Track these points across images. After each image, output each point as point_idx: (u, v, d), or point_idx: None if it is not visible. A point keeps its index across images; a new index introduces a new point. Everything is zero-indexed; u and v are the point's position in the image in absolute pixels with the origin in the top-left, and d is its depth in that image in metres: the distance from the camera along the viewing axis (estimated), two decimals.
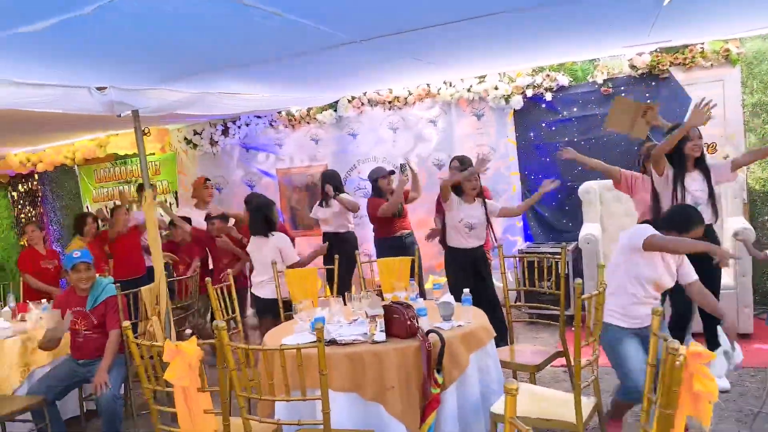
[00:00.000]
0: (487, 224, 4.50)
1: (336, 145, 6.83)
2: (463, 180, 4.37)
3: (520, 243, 6.05)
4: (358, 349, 2.83)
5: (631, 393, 2.94)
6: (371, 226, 5.65)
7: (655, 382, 2.03)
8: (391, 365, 2.76)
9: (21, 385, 4.00)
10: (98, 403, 3.62)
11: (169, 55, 3.32)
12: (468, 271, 4.49)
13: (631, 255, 3.07)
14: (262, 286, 4.45)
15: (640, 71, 5.49)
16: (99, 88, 3.69)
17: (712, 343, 3.52)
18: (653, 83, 5.49)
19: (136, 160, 7.88)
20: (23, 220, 8.89)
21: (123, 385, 3.88)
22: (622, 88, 5.60)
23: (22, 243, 8.85)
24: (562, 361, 3.72)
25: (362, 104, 6.58)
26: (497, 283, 4.57)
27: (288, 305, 4.23)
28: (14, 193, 9.01)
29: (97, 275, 3.98)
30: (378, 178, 5.37)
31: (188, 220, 5.67)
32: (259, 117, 7.06)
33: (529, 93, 5.87)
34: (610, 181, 5.50)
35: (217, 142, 7.30)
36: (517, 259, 4.32)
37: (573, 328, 2.78)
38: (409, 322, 2.88)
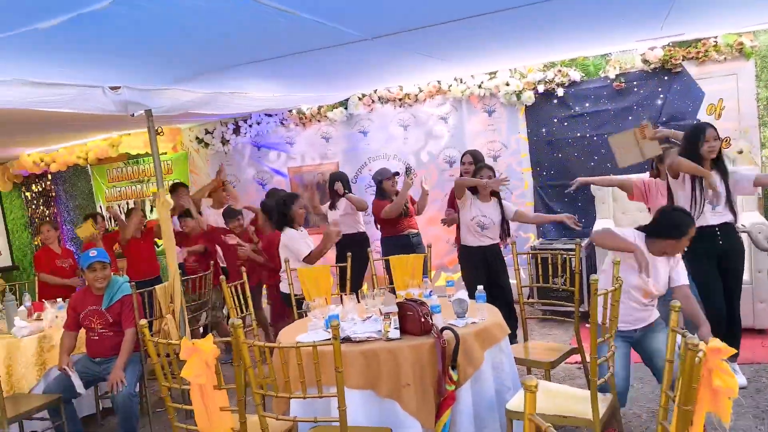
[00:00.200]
0: (502, 224, 4.50)
1: (347, 143, 6.84)
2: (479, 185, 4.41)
3: (533, 240, 6.03)
4: (373, 346, 2.83)
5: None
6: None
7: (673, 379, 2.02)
8: (406, 362, 2.76)
9: (37, 384, 4.03)
10: (114, 401, 3.65)
11: (182, 54, 3.34)
12: (481, 268, 4.49)
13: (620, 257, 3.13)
14: (282, 280, 4.54)
15: (652, 66, 5.45)
16: (112, 88, 3.72)
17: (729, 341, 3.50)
18: (666, 77, 5.45)
19: (148, 160, 7.93)
20: (37, 220, 8.97)
21: (138, 383, 3.91)
22: (635, 82, 5.56)
23: (35, 243, 8.94)
24: (576, 357, 3.71)
25: (373, 102, 6.58)
26: (511, 280, 4.56)
27: (299, 303, 4.26)
28: (28, 194, 9.09)
29: (113, 274, 4.01)
30: (383, 179, 5.37)
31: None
32: (269, 115, 7.08)
33: (541, 88, 5.84)
34: (621, 177, 5.50)
35: (228, 140, 7.33)
36: (531, 255, 4.31)
37: (587, 325, 2.77)
38: (423, 319, 2.88)
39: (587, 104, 5.77)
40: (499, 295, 4.32)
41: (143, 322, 2.77)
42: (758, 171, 5.14)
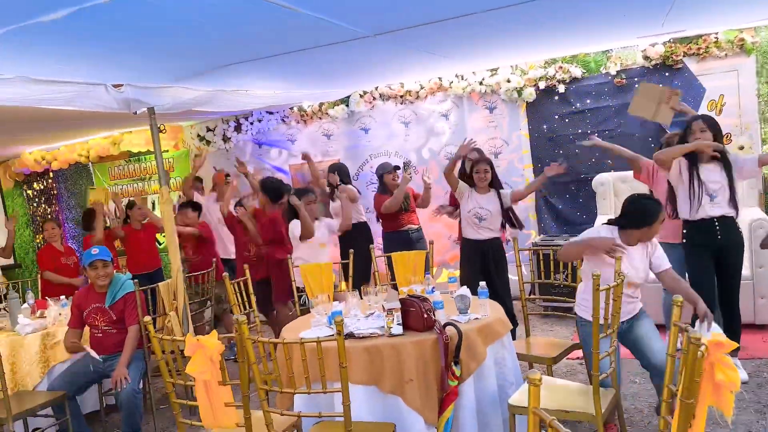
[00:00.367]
0: (504, 215, 4.49)
1: (348, 140, 6.85)
2: (470, 170, 4.44)
3: (535, 236, 6.04)
4: (376, 342, 2.85)
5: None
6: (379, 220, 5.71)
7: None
8: (409, 358, 2.78)
9: (41, 381, 4.05)
10: (118, 397, 3.66)
11: (184, 51, 3.35)
12: (477, 263, 4.50)
13: (593, 259, 3.17)
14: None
15: (653, 62, 5.46)
16: (115, 86, 3.73)
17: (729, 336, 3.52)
18: (667, 74, 5.45)
19: (150, 157, 7.94)
20: (38, 218, 8.99)
21: (142, 379, 3.93)
22: (636, 79, 5.56)
23: (37, 240, 8.95)
24: (578, 353, 3.73)
25: (374, 99, 6.59)
26: (512, 276, 4.57)
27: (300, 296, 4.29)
28: (29, 192, 9.11)
29: (115, 272, 4.03)
30: (384, 173, 5.40)
31: (198, 206, 5.73)
32: (271, 113, 7.08)
33: (542, 85, 5.85)
34: (624, 173, 5.52)
35: (230, 138, 7.34)
36: (532, 252, 4.33)
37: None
38: (425, 315, 2.90)
39: (588, 101, 5.78)
40: (493, 293, 4.32)
41: (148, 318, 2.78)
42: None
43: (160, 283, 4.16)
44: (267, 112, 7.06)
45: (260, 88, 5.00)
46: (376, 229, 6.15)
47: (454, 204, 4.80)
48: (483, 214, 4.44)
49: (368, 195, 6.37)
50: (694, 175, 3.70)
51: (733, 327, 3.75)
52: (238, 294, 3.90)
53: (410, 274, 4.11)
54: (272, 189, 5.01)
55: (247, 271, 4.10)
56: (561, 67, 5.75)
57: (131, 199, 6.44)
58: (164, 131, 7.35)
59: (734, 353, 3.59)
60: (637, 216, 3.09)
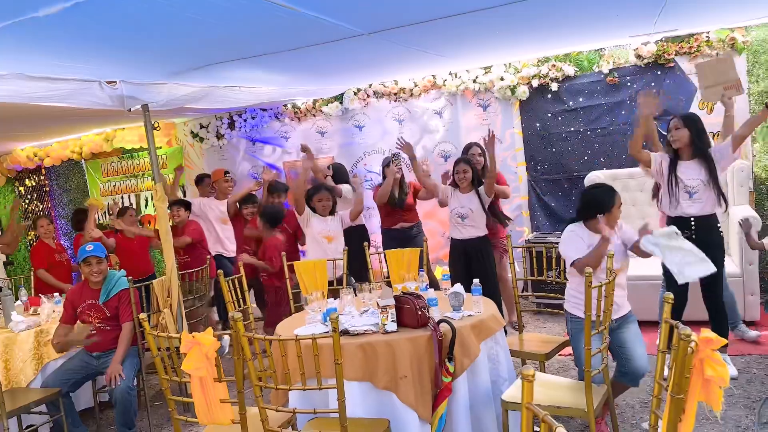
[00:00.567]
0: (489, 211, 4.55)
1: (342, 138, 6.86)
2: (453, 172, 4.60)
3: (527, 233, 6.08)
4: (371, 339, 2.87)
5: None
6: (377, 218, 5.75)
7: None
8: (403, 354, 2.80)
9: (35, 378, 4.05)
10: (112, 394, 3.67)
11: (179, 48, 3.34)
12: (460, 262, 4.58)
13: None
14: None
15: (645, 61, 5.49)
16: (108, 83, 3.72)
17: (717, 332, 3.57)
18: (658, 72, 5.50)
19: (143, 154, 7.92)
20: (30, 215, 8.94)
21: (136, 376, 3.93)
22: (628, 77, 5.60)
23: (29, 238, 8.91)
24: (570, 349, 3.76)
25: (368, 96, 6.60)
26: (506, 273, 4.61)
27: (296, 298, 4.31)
28: (21, 188, 9.06)
29: (109, 269, 4.03)
30: (384, 165, 5.43)
31: (188, 204, 5.73)
32: (264, 110, 7.08)
33: (535, 83, 5.88)
34: (617, 171, 5.56)
35: (223, 135, 7.33)
36: (525, 249, 4.36)
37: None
38: (420, 312, 2.92)
39: (581, 99, 5.81)
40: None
41: (143, 315, 2.79)
42: (748, 163, 5.20)
43: (154, 281, 4.16)
44: (260, 109, 7.05)
45: (254, 84, 5.00)
46: (370, 227, 6.19)
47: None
48: (464, 213, 4.52)
49: (365, 192, 6.39)
50: (673, 173, 3.75)
51: (719, 324, 3.80)
52: (233, 291, 3.91)
53: (404, 271, 4.13)
54: (270, 215, 4.96)
55: (242, 268, 4.12)
56: (554, 66, 5.78)
57: (122, 207, 6.43)
58: (158, 128, 7.34)
59: (723, 349, 3.67)
60: (594, 205, 3.17)
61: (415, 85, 6.35)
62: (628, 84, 5.61)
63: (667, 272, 3.87)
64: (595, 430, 2.72)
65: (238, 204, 5.93)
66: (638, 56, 5.49)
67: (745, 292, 4.58)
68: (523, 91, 5.92)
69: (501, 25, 3.88)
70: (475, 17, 3.41)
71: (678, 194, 3.74)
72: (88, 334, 3.81)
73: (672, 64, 5.43)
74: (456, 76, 6.15)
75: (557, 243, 3.83)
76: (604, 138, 5.76)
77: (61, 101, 3.62)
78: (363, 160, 6.75)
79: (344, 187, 5.49)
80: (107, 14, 2.51)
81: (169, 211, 5.44)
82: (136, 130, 7.11)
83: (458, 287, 3.26)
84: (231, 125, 7.27)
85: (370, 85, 6.53)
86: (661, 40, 5.38)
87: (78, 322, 3.90)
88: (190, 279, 4.80)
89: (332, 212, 4.78)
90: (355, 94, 6.60)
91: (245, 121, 7.16)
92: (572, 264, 3.19)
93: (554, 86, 5.83)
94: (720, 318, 3.80)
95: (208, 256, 5.57)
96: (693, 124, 3.71)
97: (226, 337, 3.90)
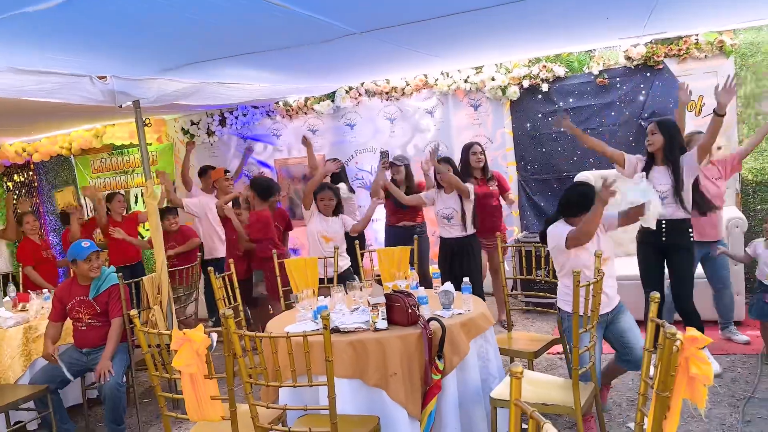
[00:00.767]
0: (464, 213, 4.63)
1: (333, 136, 6.86)
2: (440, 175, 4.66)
3: (517, 233, 6.11)
4: (361, 336, 2.89)
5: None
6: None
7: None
8: (394, 352, 2.82)
9: (23, 374, 4.03)
10: (101, 390, 3.66)
11: (170, 44, 3.33)
12: (445, 260, 4.66)
13: (566, 254, 3.22)
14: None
15: (635, 62, 5.54)
16: (99, 78, 3.70)
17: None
18: (648, 74, 5.55)
19: (133, 150, 7.87)
20: (18, 211, 8.86)
21: (125, 373, 3.93)
22: (618, 78, 5.65)
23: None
24: (558, 348, 3.80)
25: (360, 95, 6.60)
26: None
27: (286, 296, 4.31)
28: (10, 184, 8.97)
29: None
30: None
31: (176, 210, 5.73)
32: (256, 107, 7.07)
33: (526, 84, 5.91)
34: (606, 171, 5.58)
35: (214, 132, 7.31)
36: (514, 248, 4.40)
37: None
38: (410, 310, 2.94)
39: (571, 99, 5.85)
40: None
41: (134, 312, 2.79)
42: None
43: (144, 277, 4.15)
44: (252, 106, 7.04)
45: (246, 81, 4.99)
46: (378, 226, 6.23)
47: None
48: (449, 214, 4.63)
49: (358, 191, 6.42)
50: (647, 176, 3.81)
51: (693, 325, 3.84)
52: (224, 288, 3.91)
53: (395, 269, 4.14)
54: (262, 186, 5.02)
55: (232, 266, 4.12)
56: (545, 66, 5.82)
57: (110, 192, 6.39)
58: (150, 125, 7.30)
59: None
60: (576, 203, 3.23)
61: (407, 84, 6.36)
62: (618, 85, 5.66)
63: (643, 272, 3.97)
64: (582, 428, 2.75)
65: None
66: (628, 58, 5.54)
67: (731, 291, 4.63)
68: (513, 92, 5.96)
69: (492, 26, 3.90)
70: (467, 18, 3.43)
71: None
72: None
73: (661, 66, 5.48)
74: (447, 76, 6.18)
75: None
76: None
77: (51, 96, 3.59)
78: (354, 159, 6.76)
79: (340, 186, 5.50)
80: (99, 10, 2.51)
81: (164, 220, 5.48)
82: (126, 127, 7.07)
83: (448, 285, 3.28)
84: (222, 122, 7.25)
85: (362, 84, 6.54)
86: (651, 42, 5.44)
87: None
88: (180, 277, 4.81)
89: (336, 212, 4.79)
90: (347, 92, 6.61)
91: (236, 118, 7.15)
92: (568, 238, 3.14)
93: (545, 87, 5.86)
94: (692, 318, 3.82)
95: (199, 254, 5.56)
96: (667, 130, 3.77)
97: (214, 335, 3.91)
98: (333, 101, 6.68)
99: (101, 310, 3.88)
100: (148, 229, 6.45)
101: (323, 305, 3.23)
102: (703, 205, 4.06)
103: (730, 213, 4.77)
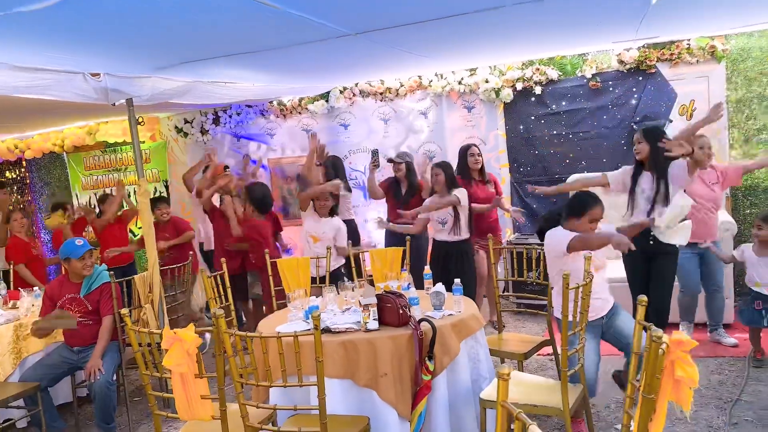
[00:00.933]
0: (457, 219, 4.64)
1: (327, 136, 6.85)
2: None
3: (509, 234, 6.14)
4: (352, 337, 2.90)
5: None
6: (365, 216, 5.89)
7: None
8: (384, 353, 2.83)
9: (13, 372, 4.01)
10: (91, 389, 3.66)
11: (164, 43, 3.33)
12: (439, 263, 4.66)
13: (564, 259, 3.23)
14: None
15: (627, 66, 5.58)
16: (92, 75, 3.69)
17: None
18: (640, 78, 5.58)
19: (126, 148, 7.86)
20: (10, 207, 8.82)
21: (116, 372, 3.92)
22: (610, 82, 5.69)
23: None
24: (548, 349, 3.82)
25: (354, 95, 6.61)
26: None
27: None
28: (2, 180, 8.93)
29: None
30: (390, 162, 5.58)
31: (167, 200, 5.73)
32: (250, 106, 7.06)
33: (519, 86, 5.94)
34: (597, 174, 5.62)
35: (207, 130, 7.30)
36: (507, 250, 4.42)
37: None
38: (401, 311, 2.95)
39: (564, 103, 5.88)
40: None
41: (124, 311, 2.79)
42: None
43: (135, 276, 4.15)
44: (246, 105, 7.04)
45: (240, 81, 4.99)
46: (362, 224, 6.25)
47: None
48: (443, 218, 4.66)
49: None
50: (636, 183, 3.86)
51: (660, 324, 3.85)
52: (215, 287, 3.91)
53: (387, 270, 4.16)
54: (257, 200, 5.01)
55: (224, 265, 4.12)
56: (538, 69, 5.85)
57: (101, 195, 6.39)
58: (143, 123, 7.29)
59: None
60: (577, 205, 3.29)
61: (401, 85, 6.38)
62: (611, 89, 5.70)
63: (630, 275, 4.02)
64: (571, 429, 2.77)
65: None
66: (621, 62, 5.58)
67: None
68: (507, 94, 5.98)
69: (486, 29, 3.92)
70: (461, 21, 3.44)
71: (639, 203, 3.83)
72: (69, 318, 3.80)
73: (653, 70, 5.52)
74: (441, 77, 6.20)
75: (538, 244, 3.90)
76: (586, 141, 5.84)
77: (44, 93, 3.59)
78: (348, 159, 6.76)
79: (336, 183, 5.49)
80: (93, 7, 2.51)
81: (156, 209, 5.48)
82: (119, 124, 7.06)
83: (440, 286, 3.30)
84: (216, 121, 7.25)
85: (357, 84, 6.55)
86: (643, 46, 5.47)
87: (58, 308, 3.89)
88: (172, 275, 4.80)
89: (332, 212, 4.81)
90: (341, 92, 6.62)
91: (230, 117, 7.14)
92: (570, 245, 3.15)
93: (538, 89, 5.89)
94: (659, 319, 3.80)
95: (191, 252, 5.56)
96: (653, 138, 3.80)
97: (207, 334, 3.91)
98: (327, 101, 6.69)
99: (93, 307, 3.87)
100: (140, 227, 6.45)
101: (315, 305, 3.24)
102: None
103: (721, 217, 4.81)
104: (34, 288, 4.75)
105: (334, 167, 5.66)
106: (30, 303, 4.39)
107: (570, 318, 2.81)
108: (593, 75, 5.72)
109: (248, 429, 2.59)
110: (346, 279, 3.91)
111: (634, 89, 5.61)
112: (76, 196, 8.26)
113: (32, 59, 3.30)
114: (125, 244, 5.91)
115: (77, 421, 4.18)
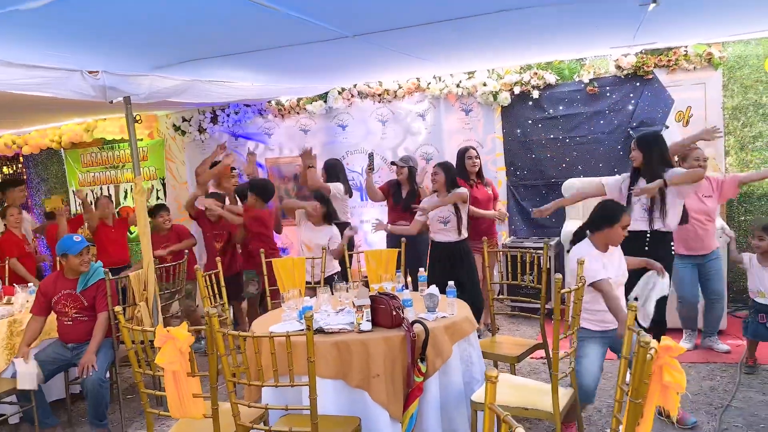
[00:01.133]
0: (459, 218, 4.65)
1: (325, 136, 6.87)
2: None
3: (505, 238, 6.15)
4: (345, 337, 2.91)
5: (581, 391, 3.07)
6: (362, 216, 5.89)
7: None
8: (377, 354, 2.85)
9: (7, 368, 4.01)
10: (84, 385, 3.66)
11: (162, 42, 3.34)
12: (439, 264, 4.67)
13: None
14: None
15: (625, 72, 5.60)
16: (90, 72, 3.70)
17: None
18: (637, 84, 5.60)
19: (123, 145, 7.85)
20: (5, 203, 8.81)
21: (109, 369, 3.92)
22: (608, 87, 5.71)
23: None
24: (541, 353, 3.83)
25: (352, 96, 6.62)
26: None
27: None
28: (19, 179, 8.92)
29: None
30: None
31: (167, 208, 5.73)
32: (248, 105, 7.07)
33: (517, 90, 5.95)
34: (593, 178, 5.64)
35: (205, 129, 7.30)
36: (502, 253, 4.43)
37: (552, 321, 2.88)
38: (394, 313, 2.96)
39: (561, 107, 5.90)
40: (462, 293, 4.41)
41: (118, 308, 2.80)
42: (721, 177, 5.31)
43: (130, 274, 4.15)
44: (244, 104, 7.04)
45: (238, 80, 5.00)
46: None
47: None
48: (446, 217, 4.64)
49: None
50: (632, 189, 3.88)
51: (658, 333, 3.87)
52: (209, 287, 3.91)
53: (382, 271, 4.17)
54: (262, 187, 5.12)
55: (219, 264, 4.13)
56: (536, 73, 5.86)
57: (96, 198, 6.41)
58: (140, 121, 7.29)
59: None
60: (607, 215, 3.24)
61: (399, 87, 6.39)
62: (608, 94, 5.72)
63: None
64: None
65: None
66: (618, 67, 5.59)
67: None
68: (505, 98, 6.00)
69: (485, 33, 3.93)
70: (459, 24, 3.45)
71: (635, 209, 3.84)
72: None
73: (651, 76, 5.54)
74: (440, 80, 6.21)
75: (534, 248, 3.93)
76: (583, 146, 5.86)
77: (41, 90, 3.58)
78: (345, 160, 6.76)
79: (334, 186, 5.50)
80: (91, 6, 2.52)
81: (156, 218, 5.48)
82: (117, 121, 7.06)
83: (433, 289, 3.31)
84: (214, 119, 7.25)
85: (355, 85, 6.56)
86: (641, 52, 5.49)
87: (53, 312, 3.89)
88: (167, 275, 4.80)
89: (327, 218, 4.85)
90: (339, 93, 6.63)
91: (228, 116, 7.14)
92: (594, 286, 3.09)
93: (535, 93, 5.91)
94: (658, 329, 3.80)
95: (186, 251, 5.56)
96: (647, 147, 3.84)
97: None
98: (325, 102, 6.70)
99: (88, 304, 3.88)
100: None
101: (309, 305, 3.25)
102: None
103: (716, 223, 4.82)
104: (29, 284, 4.75)
105: (334, 170, 5.67)
106: (24, 299, 4.39)
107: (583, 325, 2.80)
108: (591, 80, 5.74)
109: (240, 428, 2.60)
110: (340, 278, 3.93)
111: (631, 95, 5.63)
112: (73, 192, 8.26)
113: (30, 57, 3.30)
114: (123, 245, 5.91)
115: (70, 418, 4.19)
